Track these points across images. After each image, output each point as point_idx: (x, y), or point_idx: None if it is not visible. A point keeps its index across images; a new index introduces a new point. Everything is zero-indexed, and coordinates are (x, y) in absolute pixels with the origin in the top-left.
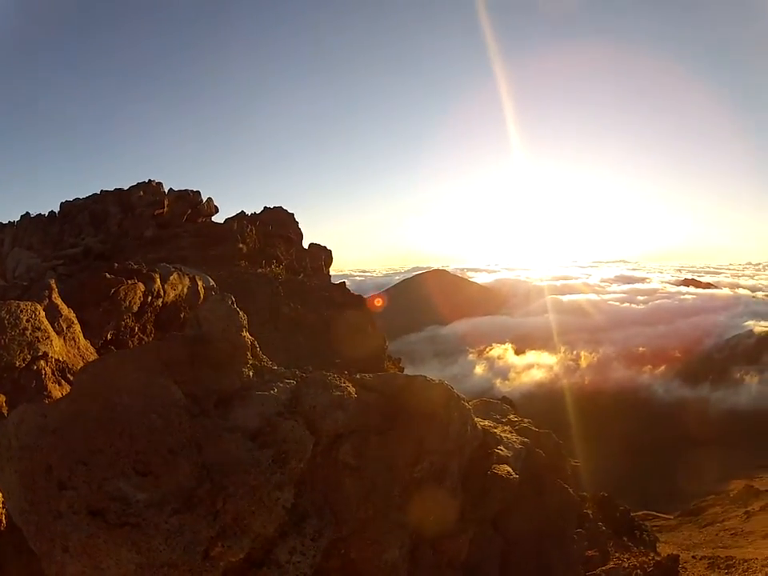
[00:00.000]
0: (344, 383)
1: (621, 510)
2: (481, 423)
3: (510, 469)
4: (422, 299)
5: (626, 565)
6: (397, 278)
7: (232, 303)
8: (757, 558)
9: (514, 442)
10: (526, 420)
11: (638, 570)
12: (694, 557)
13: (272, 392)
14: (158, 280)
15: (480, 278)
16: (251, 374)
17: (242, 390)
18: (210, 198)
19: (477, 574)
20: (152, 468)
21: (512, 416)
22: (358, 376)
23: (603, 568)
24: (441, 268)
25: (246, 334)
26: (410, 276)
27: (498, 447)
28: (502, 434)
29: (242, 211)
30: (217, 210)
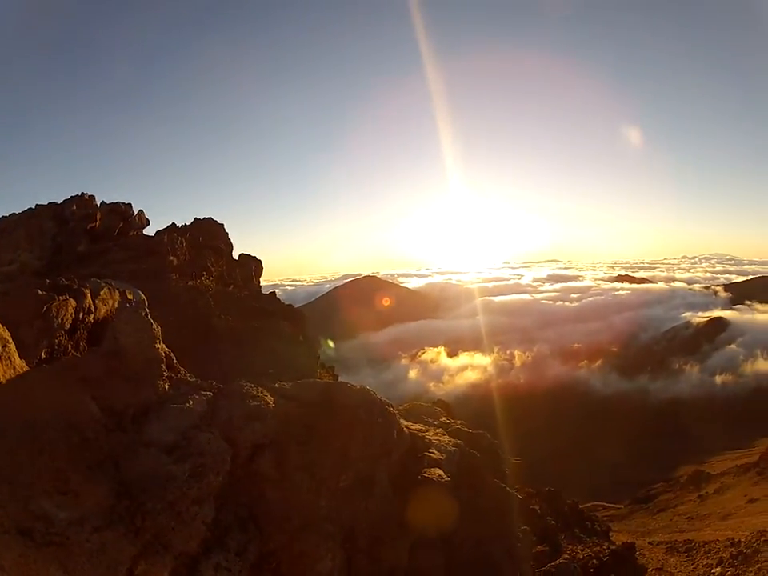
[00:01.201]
0: (261, 393)
1: (569, 504)
2: (411, 427)
3: (441, 472)
4: (353, 306)
5: (581, 556)
6: (327, 286)
7: (146, 315)
8: (718, 540)
9: (447, 444)
10: (458, 421)
11: (594, 560)
12: (650, 543)
13: (188, 404)
14: (89, 295)
15: (411, 283)
16: (167, 386)
17: (158, 403)
18: (141, 211)
19: None
20: (71, 486)
21: (444, 418)
22: (276, 385)
23: (554, 562)
24: (371, 274)
25: (160, 345)
26: (341, 284)
27: (430, 450)
28: (434, 437)
29: (173, 223)
30: (148, 223)
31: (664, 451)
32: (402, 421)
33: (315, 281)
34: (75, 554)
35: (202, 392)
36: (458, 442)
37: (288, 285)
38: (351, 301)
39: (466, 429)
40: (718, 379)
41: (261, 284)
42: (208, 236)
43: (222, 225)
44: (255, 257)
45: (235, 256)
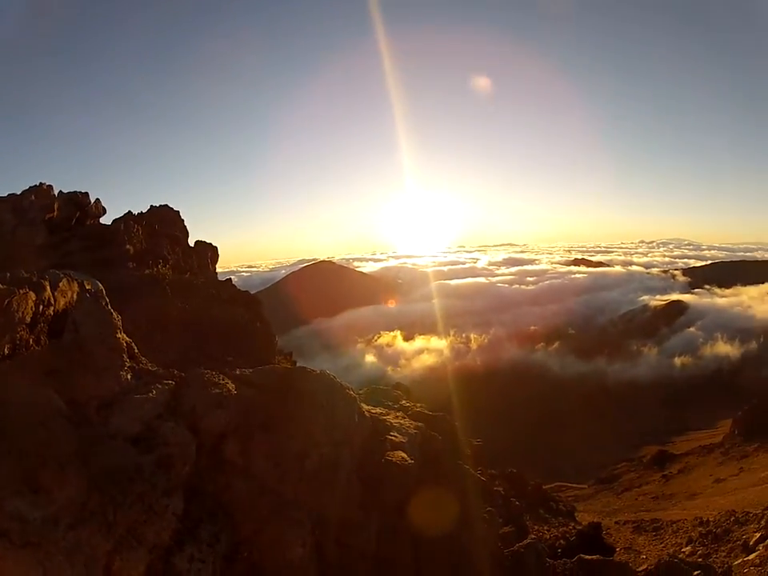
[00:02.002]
0: (223, 380)
1: (532, 484)
2: (372, 411)
3: (404, 455)
4: (309, 292)
5: (548, 536)
6: (283, 271)
7: (106, 305)
8: (686, 519)
9: (408, 427)
10: (419, 405)
11: (561, 540)
12: (616, 522)
13: (150, 394)
14: (48, 288)
15: (367, 268)
16: (129, 377)
17: (121, 393)
18: (97, 200)
19: (390, 564)
20: (43, 483)
21: (404, 402)
22: (237, 372)
23: (522, 542)
24: (326, 259)
25: (121, 335)
26: (297, 269)
27: (391, 434)
28: (395, 421)
29: (129, 211)
30: (104, 212)
31: (624, 432)
32: (362, 404)
33: (271, 267)
34: (52, 554)
35: (164, 381)
36: (419, 424)
37: (244, 271)
38: (307, 286)
39: (426, 411)
40: (677, 361)
41: (217, 271)
42: (164, 223)
43: (178, 212)
44: (211, 243)
45: (191, 243)
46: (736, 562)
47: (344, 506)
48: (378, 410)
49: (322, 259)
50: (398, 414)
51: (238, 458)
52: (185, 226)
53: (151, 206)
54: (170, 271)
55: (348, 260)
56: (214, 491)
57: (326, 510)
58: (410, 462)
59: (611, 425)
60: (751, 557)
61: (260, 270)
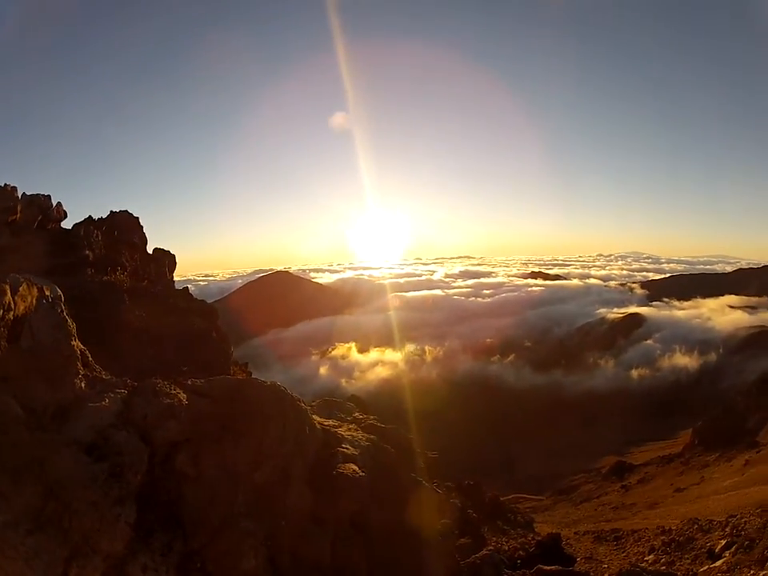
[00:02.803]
0: (174, 390)
1: (489, 496)
2: (325, 423)
3: (355, 467)
4: (265, 302)
5: (506, 547)
6: (240, 281)
7: (62, 311)
8: (647, 528)
9: (360, 439)
10: (371, 417)
11: (520, 551)
12: (576, 533)
13: (104, 403)
14: (9, 292)
15: (323, 279)
16: (83, 384)
17: (75, 401)
18: (59, 203)
19: None
20: (1, 489)
21: (357, 414)
22: (189, 382)
23: (479, 554)
24: (283, 270)
25: (76, 343)
26: (253, 279)
27: (343, 446)
28: (347, 433)
29: (90, 216)
30: (65, 215)
31: (581, 444)
32: (314, 416)
33: (228, 276)
34: (12, 558)
35: (117, 390)
36: (372, 437)
37: (201, 280)
38: (263, 297)
39: (378, 424)
40: (635, 373)
41: (174, 279)
42: (123, 230)
43: (138, 218)
44: (169, 251)
45: (149, 250)
46: (701, 569)
47: (296, 517)
48: (330, 422)
49: (278, 269)
50: (350, 426)
51: (190, 468)
52: (144, 233)
53: (111, 211)
54: (128, 278)
55: (305, 270)
56: (166, 501)
57: (278, 521)
58: (361, 474)
59: (568, 436)
60: (718, 563)
61: (217, 279)
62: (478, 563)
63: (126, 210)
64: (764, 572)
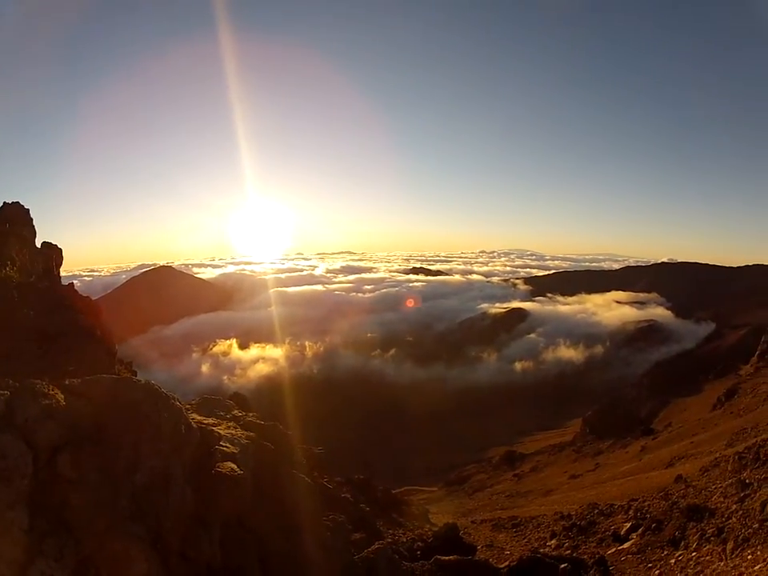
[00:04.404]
0: (53, 391)
1: (381, 490)
2: (204, 421)
3: (234, 466)
4: (148, 298)
5: (404, 539)
6: (124, 276)
7: None
8: (545, 515)
9: (240, 437)
10: (251, 414)
11: (419, 543)
12: (473, 521)
13: None
14: None
15: (206, 274)
16: None
17: None
18: None
19: None
20: None
21: (236, 411)
22: (66, 382)
23: (371, 548)
24: (166, 264)
25: None
26: (137, 274)
27: (222, 444)
28: (226, 431)
29: None
30: None
31: (469, 436)
32: (194, 415)
33: (112, 271)
34: None
35: (0, 392)
36: (251, 434)
37: (86, 275)
38: (146, 292)
39: (258, 421)
40: (518, 366)
41: (60, 274)
42: (14, 223)
43: (28, 210)
44: (56, 245)
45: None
46: (609, 552)
47: (181, 519)
48: (209, 420)
49: (161, 264)
50: (229, 424)
51: (71, 471)
52: (33, 226)
53: (4, 202)
54: (18, 274)
55: (187, 265)
56: (54, 506)
57: (163, 524)
58: (240, 472)
59: (455, 429)
60: (626, 545)
61: (101, 274)
62: (371, 557)
63: (17, 202)
64: (679, 552)
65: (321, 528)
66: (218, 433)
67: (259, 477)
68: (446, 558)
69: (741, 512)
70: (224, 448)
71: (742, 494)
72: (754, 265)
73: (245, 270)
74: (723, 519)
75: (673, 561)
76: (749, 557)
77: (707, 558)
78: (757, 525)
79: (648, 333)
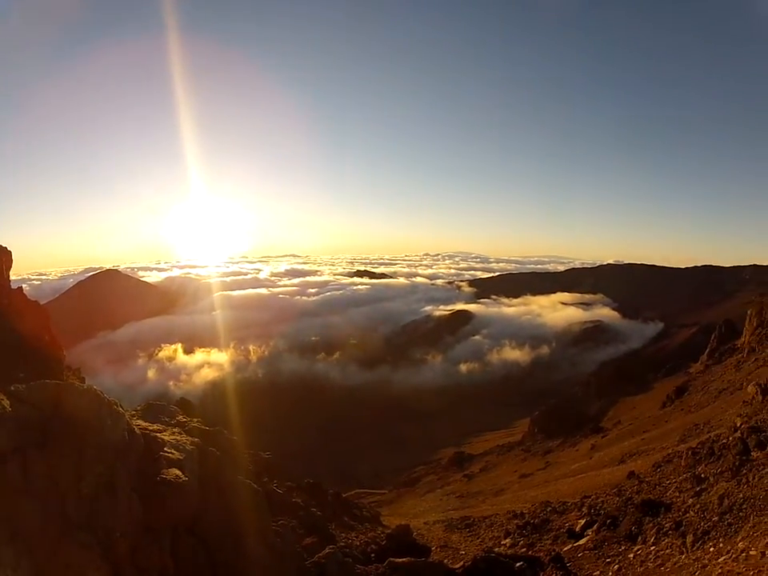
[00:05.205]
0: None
1: (332, 493)
2: (149, 428)
3: (179, 472)
4: (95, 303)
5: (357, 543)
6: (71, 280)
7: None
8: (498, 514)
9: (185, 443)
10: (195, 420)
11: (372, 545)
12: (425, 523)
13: None
14: None
15: (151, 277)
16: None
17: None
18: None
19: None
20: None
21: (181, 417)
22: (12, 388)
23: (322, 553)
24: (112, 268)
25: None
26: (84, 278)
27: (167, 450)
28: (170, 437)
29: None
30: None
31: (416, 437)
32: (139, 421)
33: (60, 275)
34: None
35: None
36: (196, 440)
37: (35, 279)
38: (93, 297)
39: (203, 427)
40: (463, 367)
41: (10, 278)
42: None
43: None
44: (6, 248)
45: None
46: (565, 548)
47: (129, 527)
48: (154, 427)
49: (108, 267)
50: (174, 430)
51: (18, 478)
52: None
53: None
54: None
55: (133, 269)
56: (8, 515)
57: (111, 532)
58: (184, 479)
59: (402, 431)
60: (582, 542)
61: (50, 278)
62: (322, 562)
63: None
64: (637, 546)
65: (270, 533)
66: (163, 439)
67: (205, 483)
68: (400, 559)
69: (698, 506)
70: (169, 454)
71: (698, 488)
72: (701, 266)
73: (189, 273)
74: (680, 513)
75: (632, 555)
76: (711, 549)
77: (667, 551)
78: (716, 518)
79: (594, 333)
